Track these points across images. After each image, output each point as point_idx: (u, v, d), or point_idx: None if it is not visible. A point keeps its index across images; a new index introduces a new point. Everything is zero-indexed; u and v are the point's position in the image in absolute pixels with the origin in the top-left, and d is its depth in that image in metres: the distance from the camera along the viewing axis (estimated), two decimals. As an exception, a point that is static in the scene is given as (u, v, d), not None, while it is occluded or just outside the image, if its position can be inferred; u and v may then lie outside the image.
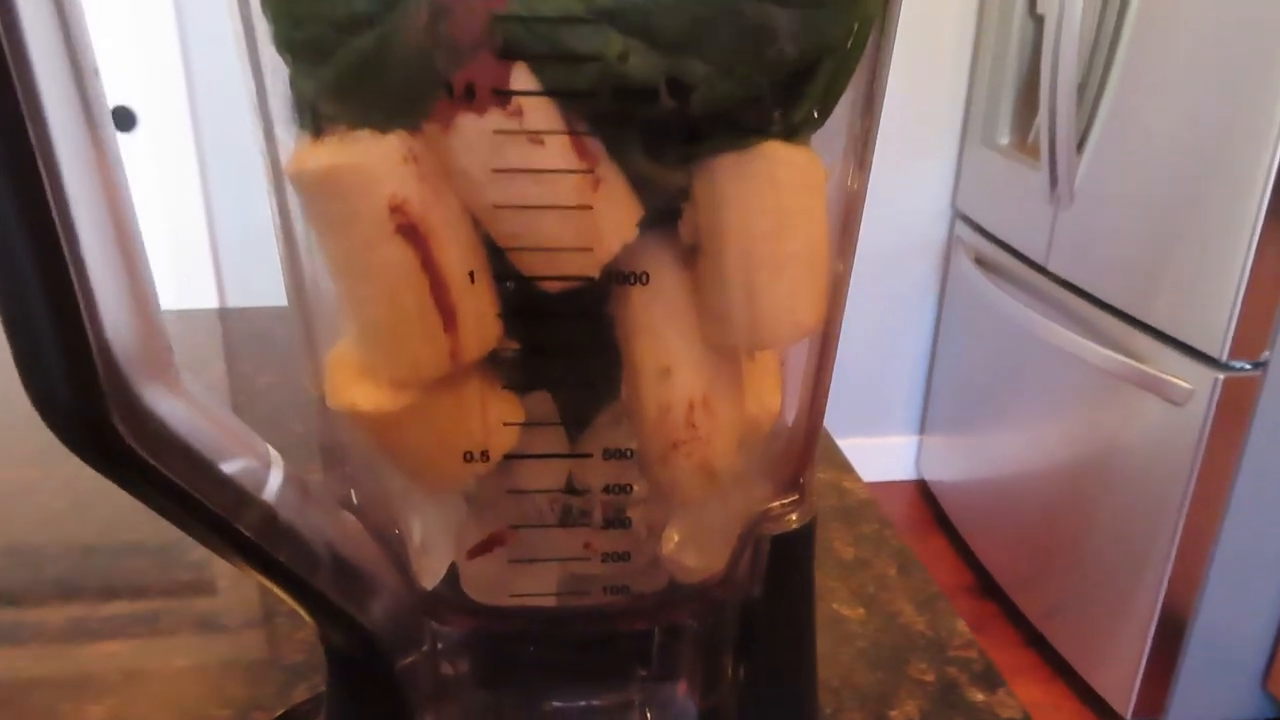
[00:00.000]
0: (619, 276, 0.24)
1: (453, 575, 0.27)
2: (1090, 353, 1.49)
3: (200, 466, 0.22)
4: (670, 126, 0.23)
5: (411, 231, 0.22)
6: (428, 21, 0.21)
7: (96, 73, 0.20)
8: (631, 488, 0.26)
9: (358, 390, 0.25)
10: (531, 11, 0.21)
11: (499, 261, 0.24)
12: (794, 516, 0.27)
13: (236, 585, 0.54)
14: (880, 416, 2.17)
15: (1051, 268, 1.64)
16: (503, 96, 0.22)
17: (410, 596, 0.27)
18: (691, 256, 0.24)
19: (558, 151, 0.22)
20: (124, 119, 1.75)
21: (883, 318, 2.10)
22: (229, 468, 0.23)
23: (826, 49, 0.22)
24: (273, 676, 0.46)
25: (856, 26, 0.22)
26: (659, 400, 0.25)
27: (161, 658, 0.47)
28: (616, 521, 0.26)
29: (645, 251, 0.24)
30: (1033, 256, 1.70)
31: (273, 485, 0.23)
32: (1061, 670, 1.66)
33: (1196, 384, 1.33)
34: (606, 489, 0.26)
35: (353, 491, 0.26)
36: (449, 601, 0.27)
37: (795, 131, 0.23)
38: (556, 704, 0.28)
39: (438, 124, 0.22)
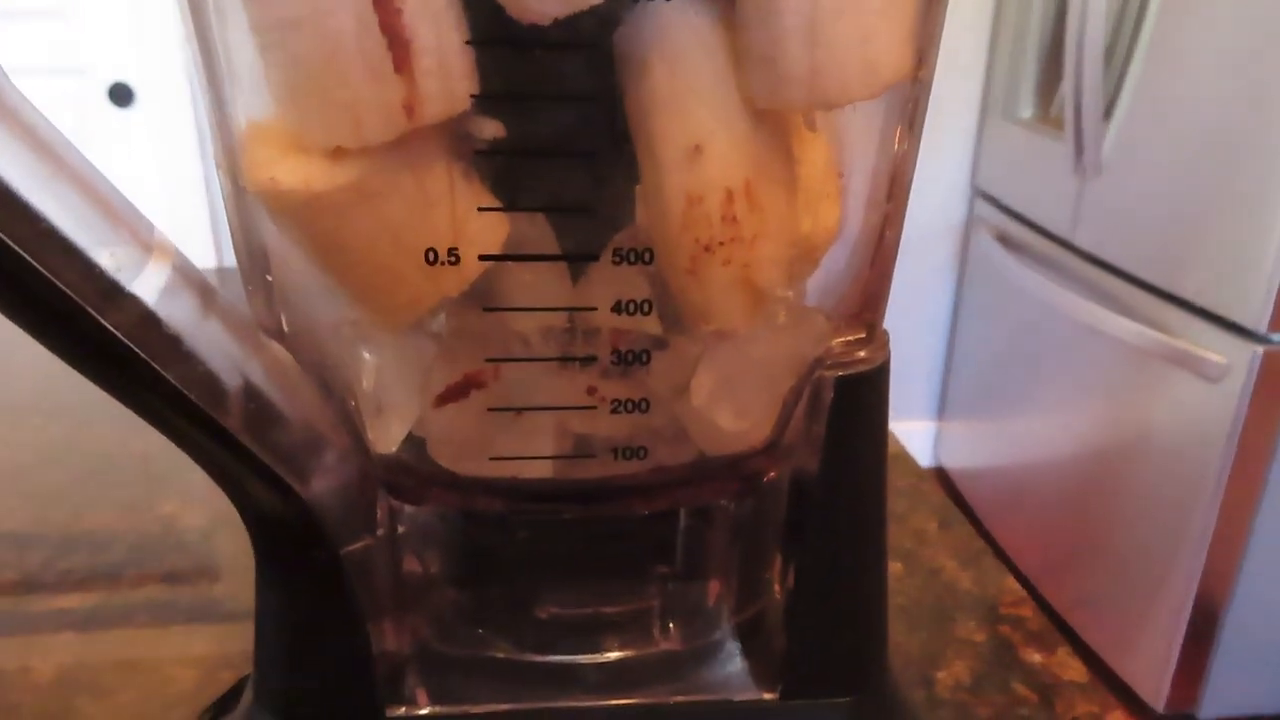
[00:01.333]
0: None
1: (417, 437, 0.21)
2: (1119, 328, 1.43)
3: (51, 242, 0.15)
4: None
5: (347, -85, 0.16)
6: None
7: None
8: (650, 306, 0.19)
9: (281, 165, 0.18)
10: None
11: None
12: (863, 354, 0.20)
13: (242, 572, 0.48)
14: (895, 402, 2.10)
15: (1078, 242, 1.59)
16: None
17: (360, 461, 0.20)
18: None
19: None
20: (122, 95, 1.72)
21: (897, 300, 2.03)
22: (98, 256, 0.16)
23: None
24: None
25: None
26: (687, 187, 0.19)
27: (160, 647, 0.41)
28: (630, 356, 0.19)
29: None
30: (1058, 231, 1.64)
31: (152, 280, 0.17)
32: (1090, 661, 1.59)
33: (1233, 358, 1.27)
34: (617, 308, 0.19)
35: (283, 316, 0.20)
36: (411, 469, 0.20)
37: None
38: (551, 610, 0.21)
39: None
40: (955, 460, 2.11)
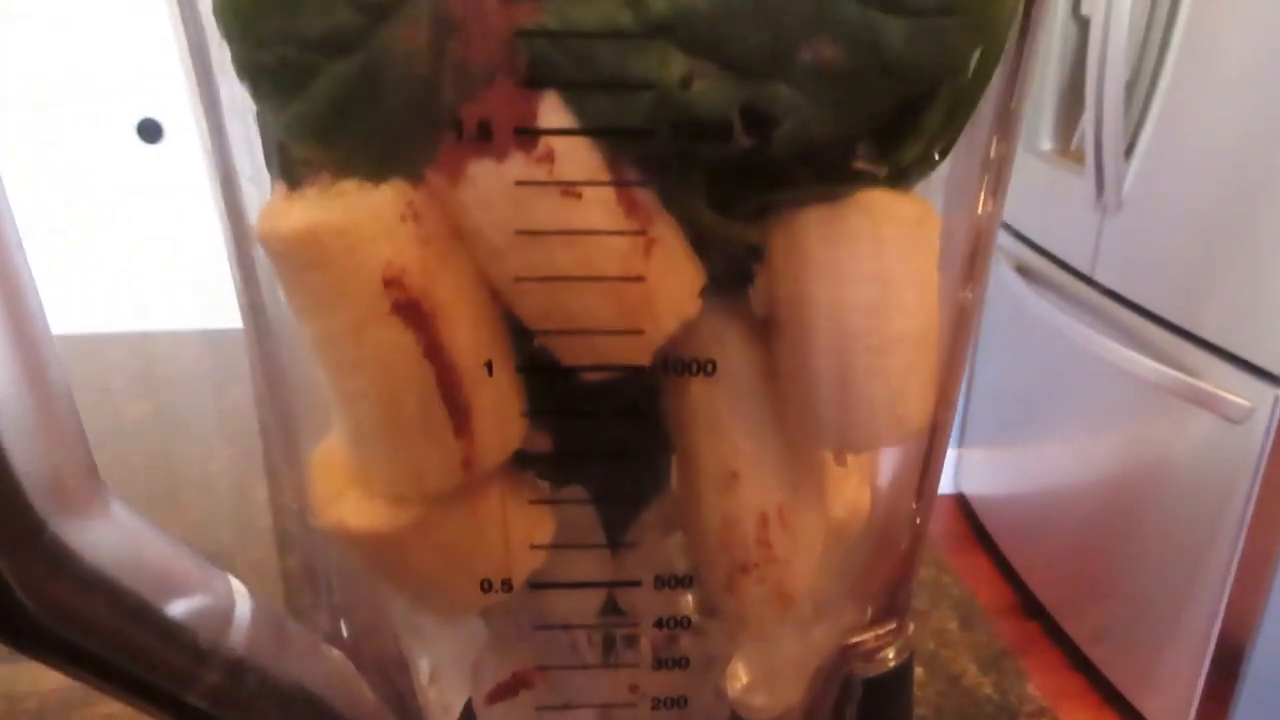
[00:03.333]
0: (677, 365, 0.19)
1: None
2: (1138, 366, 1.43)
3: (138, 616, 0.17)
4: (744, 170, 0.18)
5: (412, 309, 0.17)
6: (430, 39, 0.16)
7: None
8: (689, 621, 0.20)
9: (347, 505, 0.19)
10: (566, 25, 0.16)
11: (524, 345, 0.18)
12: (890, 654, 0.22)
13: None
14: (916, 430, 2.10)
15: (1098, 278, 1.58)
16: (528, 136, 0.16)
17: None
18: (766, 332, 0.19)
19: (600, 207, 0.17)
20: (151, 131, 1.73)
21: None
22: (179, 609, 0.18)
23: (950, 70, 0.17)
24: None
25: (988, 44, 0.17)
26: (724, 512, 0.20)
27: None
28: (670, 661, 0.21)
29: (709, 331, 0.19)
30: (1078, 266, 1.64)
31: (240, 624, 0.18)
32: (1110, 696, 1.59)
33: (1255, 401, 1.27)
34: (658, 623, 0.20)
35: (343, 623, 0.21)
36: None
37: (904, 175, 0.18)
38: None
39: (443, 172, 0.17)
40: (975, 487, 2.10)
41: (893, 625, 0.22)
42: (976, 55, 0.17)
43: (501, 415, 0.19)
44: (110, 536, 0.17)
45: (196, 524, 0.56)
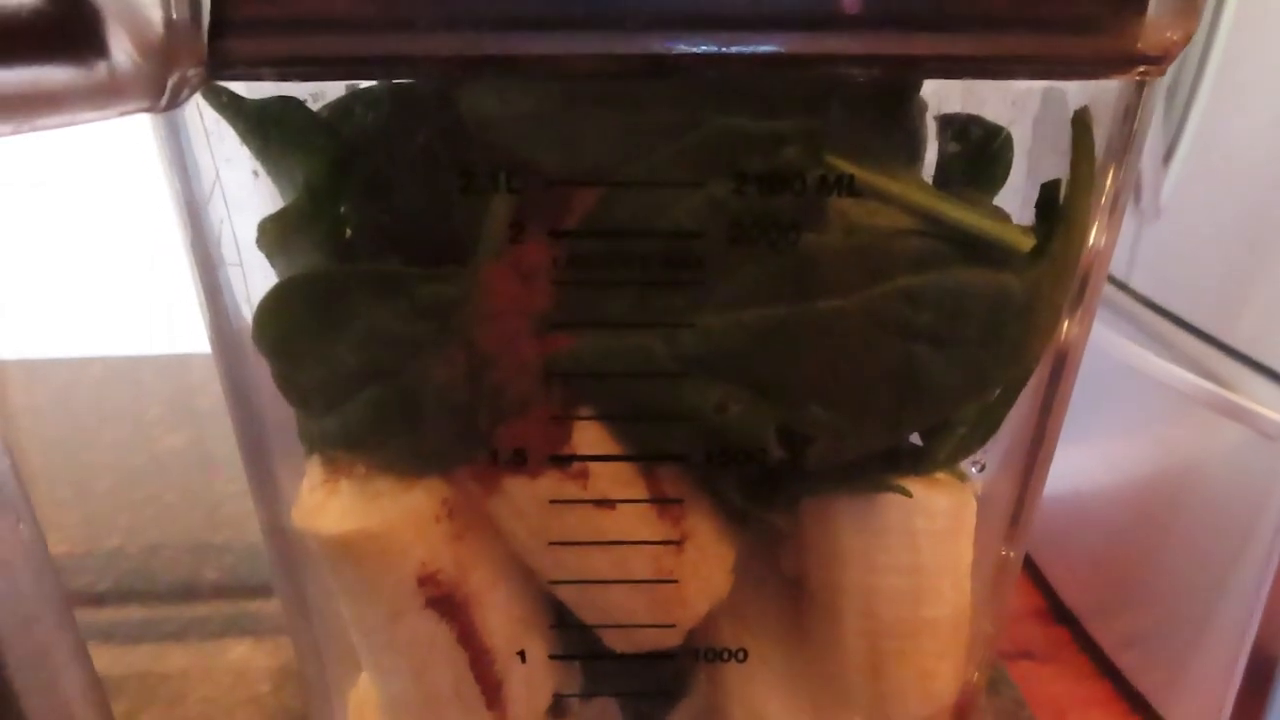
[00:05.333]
0: (710, 654, 0.19)
1: None
2: (1171, 375, 1.41)
3: None
4: (778, 472, 0.18)
5: (445, 603, 0.18)
6: (464, 371, 0.16)
7: None
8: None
9: (383, 762, 0.20)
10: (600, 359, 0.16)
11: (558, 627, 0.19)
12: None
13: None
14: (945, 429, 2.09)
15: (1133, 285, 1.56)
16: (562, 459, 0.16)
17: None
18: (796, 602, 0.19)
19: (633, 519, 0.17)
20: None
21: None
22: None
23: (983, 393, 0.17)
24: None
25: (1019, 371, 0.17)
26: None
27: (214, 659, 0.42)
28: None
29: (740, 616, 0.19)
30: (1113, 272, 1.61)
31: None
32: (1138, 705, 1.58)
33: (1290, 416, 1.25)
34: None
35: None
36: None
37: (938, 466, 0.18)
38: None
39: (477, 484, 0.17)
40: (1004, 487, 2.09)
41: None
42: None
43: (532, 687, 0.19)
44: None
45: (231, 569, 0.56)
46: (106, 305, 1.49)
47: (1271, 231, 1.28)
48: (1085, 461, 1.73)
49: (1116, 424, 1.63)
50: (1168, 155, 1.45)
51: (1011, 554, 0.20)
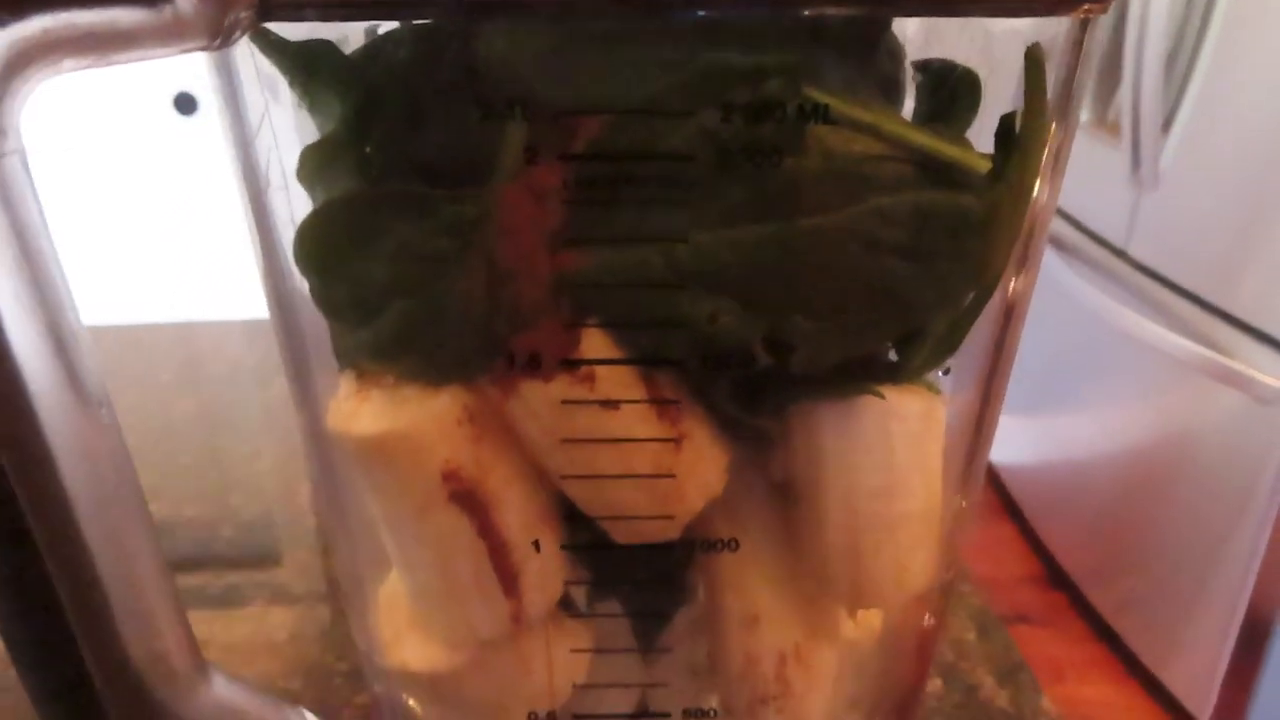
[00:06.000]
0: (704, 544, 0.21)
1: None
2: (1169, 342, 1.42)
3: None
4: (765, 380, 0.20)
5: (467, 498, 0.20)
6: (485, 285, 0.18)
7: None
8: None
9: (409, 649, 0.22)
10: (605, 272, 0.18)
11: (569, 521, 0.21)
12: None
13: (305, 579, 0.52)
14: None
15: (1132, 252, 1.57)
16: (571, 364, 0.18)
17: None
18: (783, 504, 0.21)
19: (635, 417, 0.19)
20: (186, 104, 1.75)
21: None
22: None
23: (951, 306, 0.19)
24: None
25: (984, 286, 0.19)
26: (745, 650, 0.22)
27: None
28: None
29: (733, 511, 0.21)
30: (1112, 240, 1.62)
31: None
32: (1134, 668, 1.61)
33: (1285, 381, 1.26)
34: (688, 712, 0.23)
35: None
36: None
37: (911, 375, 0.20)
38: None
39: (496, 388, 0.19)
40: (1003, 456, 2.11)
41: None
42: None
43: (545, 576, 0.21)
44: (212, 705, 0.19)
45: (245, 526, 0.58)
46: (120, 274, 1.50)
47: (1270, 199, 1.29)
48: (1083, 428, 1.75)
49: (1114, 391, 1.65)
50: (1167, 123, 1.45)
51: (976, 459, 0.22)
